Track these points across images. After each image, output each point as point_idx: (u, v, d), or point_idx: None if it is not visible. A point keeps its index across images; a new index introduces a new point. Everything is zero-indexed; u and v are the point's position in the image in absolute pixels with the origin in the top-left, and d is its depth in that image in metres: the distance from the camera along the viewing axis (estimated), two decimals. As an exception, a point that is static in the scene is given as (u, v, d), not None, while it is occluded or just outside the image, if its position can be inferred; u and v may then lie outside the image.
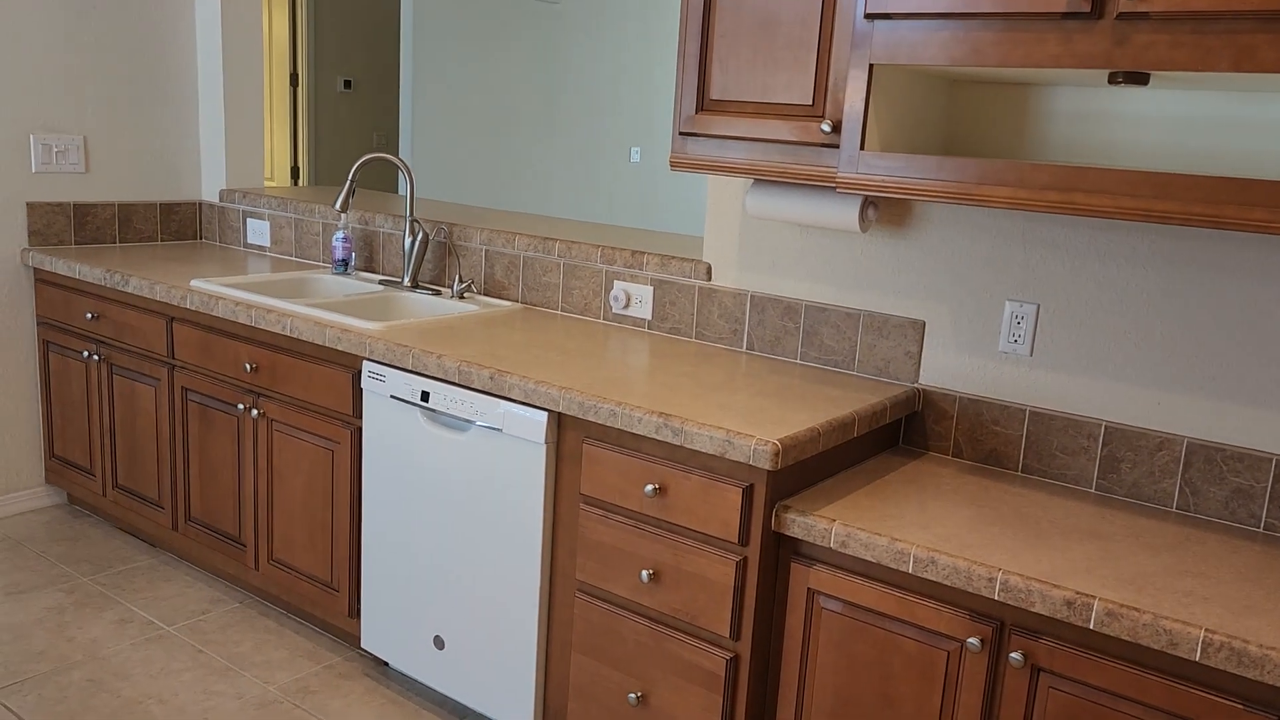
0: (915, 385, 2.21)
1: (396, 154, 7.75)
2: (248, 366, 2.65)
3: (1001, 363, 2.10)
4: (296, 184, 7.28)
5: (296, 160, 7.29)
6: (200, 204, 3.73)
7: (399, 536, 2.38)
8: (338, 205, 2.90)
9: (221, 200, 3.65)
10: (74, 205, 3.39)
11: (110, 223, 3.49)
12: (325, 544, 2.57)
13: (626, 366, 2.24)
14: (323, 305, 2.68)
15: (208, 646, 2.64)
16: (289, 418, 2.59)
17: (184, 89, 3.61)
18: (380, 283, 3.03)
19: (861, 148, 1.85)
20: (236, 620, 2.78)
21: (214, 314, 2.70)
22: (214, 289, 2.77)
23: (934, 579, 1.66)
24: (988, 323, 2.11)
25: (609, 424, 1.96)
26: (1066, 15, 1.60)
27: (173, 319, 2.87)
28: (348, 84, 7.47)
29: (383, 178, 7.78)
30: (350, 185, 2.91)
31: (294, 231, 3.43)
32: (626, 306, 2.65)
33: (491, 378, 2.12)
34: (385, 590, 2.43)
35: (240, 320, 2.63)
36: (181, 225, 3.68)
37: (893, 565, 1.69)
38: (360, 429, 2.45)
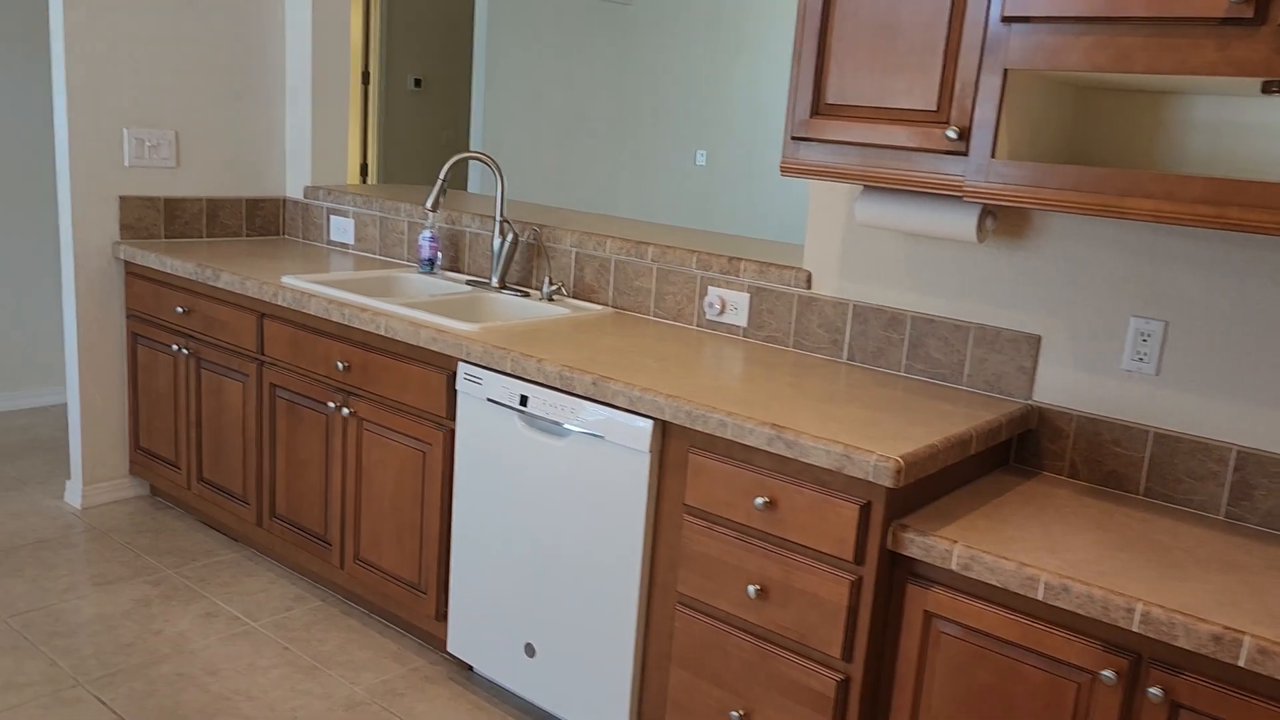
0: (1029, 402, 2.14)
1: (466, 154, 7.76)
2: (340, 365, 2.64)
3: (1124, 381, 2.02)
4: (365, 182, 7.34)
5: (365, 158, 7.34)
6: (284, 200, 3.75)
7: (490, 541, 2.35)
8: (429, 204, 2.89)
9: (306, 197, 3.67)
10: (164, 200, 3.42)
11: (199, 217, 3.51)
12: (414, 545, 2.55)
13: (727, 375, 2.19)
14: (415, 305, 2.67)
15: (293, 644, 2.64)
16: (380, 417, 2.58)
17: (272, 86, 3.63)
18: (468, 283, 3.01)
19: (992, 155, 1.79)
20: (321, 618, 2.78)
21: (306, 311, 2.70)
22: (306, 286, 2.77)
23: (1066, 607, 1.59)
24: (1110, 339, 2.03)
25: (717, 434, 1.91)
26: (1225, 21, 1.53)
27: (263, 315, 2.88)
28: (418, 83, 7.51)
29: (455, 177, 7.81)
30: (442, 184, 2.89)
31: (378, 229, 3.43)
32: (721, 313, 2.61)
33: (594, 383, 2.09)
34: (474, 595, 2.41)
35: (332, 318, 2.63)
36: (266, 221, 3.70)
37: (1020, 591, 1.63)
38: (453, 431, 2.43)
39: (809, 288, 2.46)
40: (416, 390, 2.48)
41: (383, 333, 2.51)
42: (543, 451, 2.22)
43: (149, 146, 3.35)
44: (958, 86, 1.86)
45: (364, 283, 3.03)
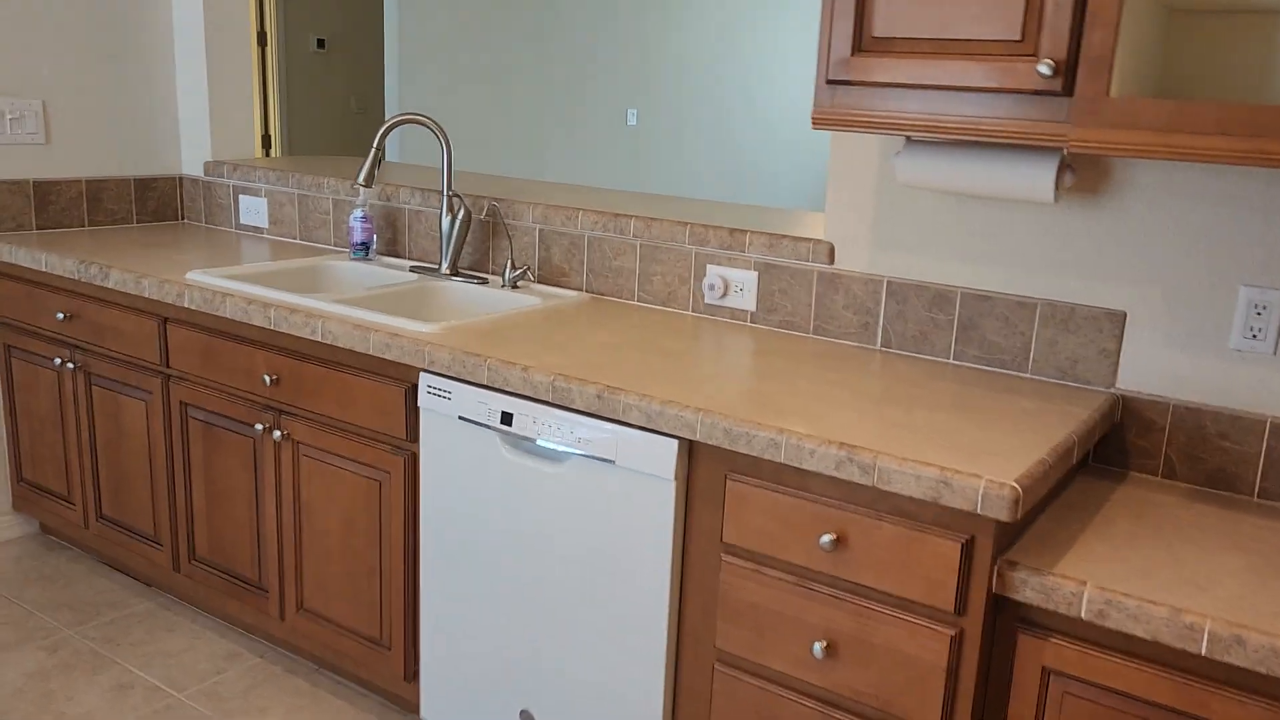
0: (1114, 390, 1.81)
1: (380, 119, 7.18)
2: (267, 378, 2.17)
3: (1234, 363, 1.70)
4: (268, 154, 6.70)
5: (267, 129, 6.70)
6: (181, 179, 3.21)
7: (470, 587, 1.94)
8: (361, 178, 2.42)
9: (207, 174, 3.14)
10: (33, 183, 2.87)
11: (77, 203, 2.96)
12: (372, 593, 2.12)
13: (753, 374, 1.80)
14: (355, 301, 2.21)
15: (230, 717, 2.18)
16: (322, 440, 2.13)
17: (156, 45, 3.08)
18: (412, 270, 2.55)
19: (1108, 93, 1.42)
20: (260, 679, 2.33)
21: (220, 314, 2.22)
22: (218, 283, 2.28)
23: (1240, 664, 1.26)
24: (1214, 313, 1.71)
25: (766, 456, 1.53)
26: None
27: (166, 320, 2.39)
28: (320, 43, 6.87)
29: (357, 145, 7.22)
30: (376, 154, 2.42)
31: (297, 210, 2.93)
32: (724, 296, 2.21)
33: (599, 396, 1.68)
34: (453, 652, 1.99)
35: (254, 322, 2.16)
36: (160, 204, 3.16)
37: (1177, 644, 1.29)
38: (416, 455, 2.00)
39: (831, 262, 2.08)
40: (366, 407, 2.04)
41: (319, 338, 2.05)
42: (534, 479, 1.81)
43: (10, 119, 2.79)
44: (1049, 7, 1.49)
45: (287, 275, 2.55)
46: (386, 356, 1.96)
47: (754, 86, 8.32)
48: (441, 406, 1.91)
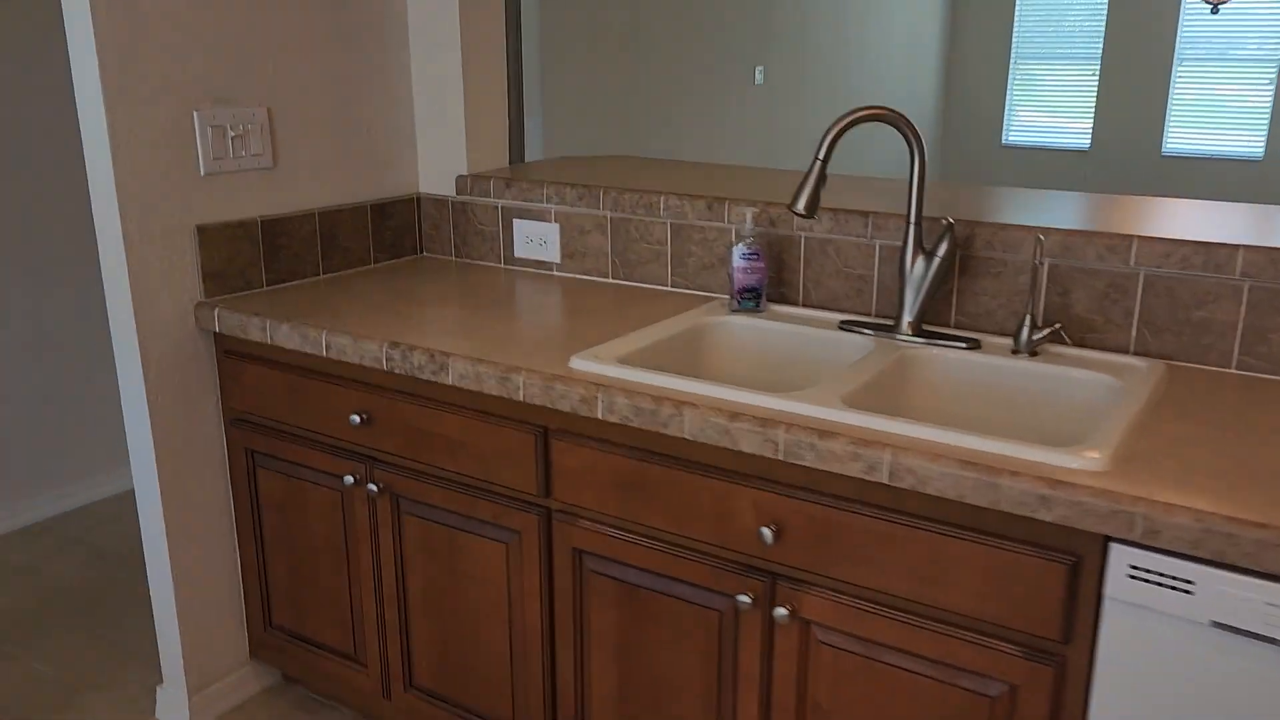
0: None
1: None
2: (767, 532, 1.43)
3: None
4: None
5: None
6: (419, 200, 2.43)
7: None
8: (802, 205, 1.66)
9: (460, 193, 2.36)
10: (261, 223, 2.09)
11: (310, 244, 2.19)
12: None
13: None
14: (868, 409, 1.47)
15: None
16: (869, 629, 1.39)
17: (388, 22, 2.29)
18: (843, 326, 1.79)
19: None
20: None
21: (655, 428, 1.47)
22: (633, 377, 1.52)
23: None
24: None
25: None
26: None
27: (547, 431, 1.63)
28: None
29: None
30: (821, 170, 1.66)
31: (609, 239, 2.17)
32: None
33: None
34: None
35: (739, 446, 1.40)
36: (397, 236, 2.39)
37: None
38: (1070, 665, 1.26)
39: None
40: (969, 588, 1.30)
41: (879, 478, 1.31)
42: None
43: (232, 137, 2.01)
44: None
45: (684, 349, 1.79)
46: (1040, 517, 1.21)
47: (868, 40, 7.52)
48: (1164, 602, 1.17)
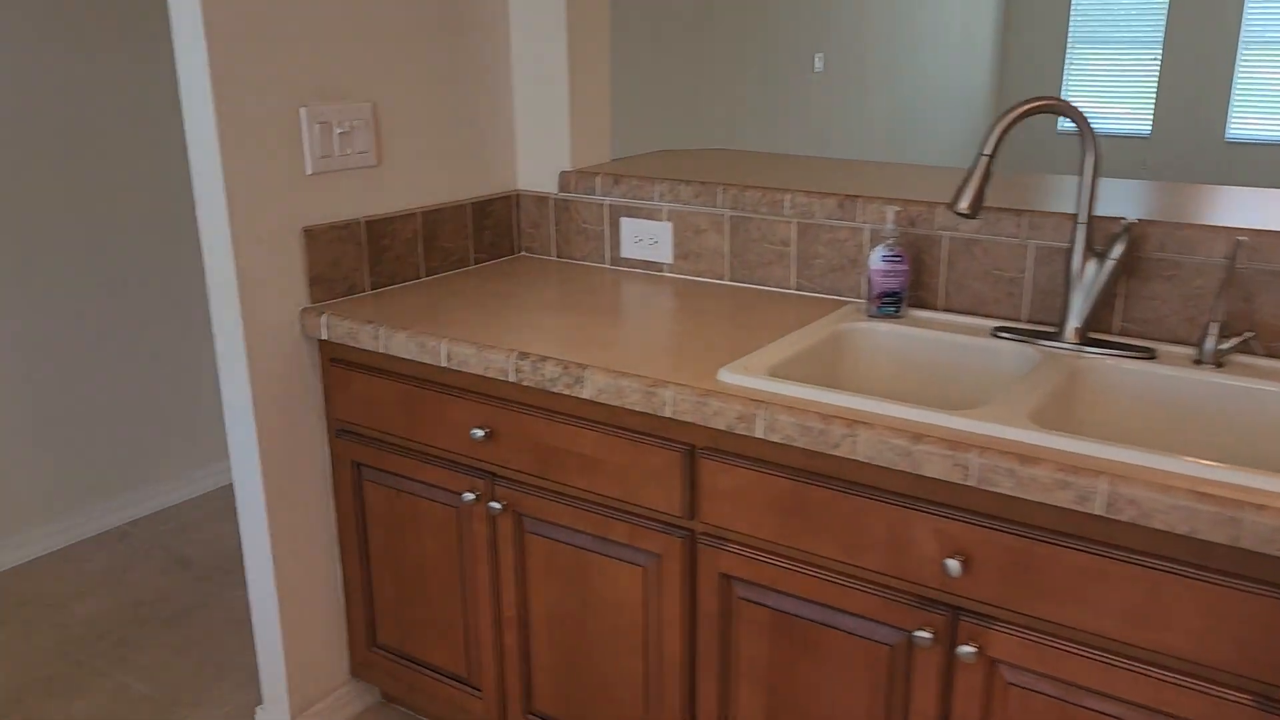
0: None
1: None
2: (953, 565, 1.31)
3: None
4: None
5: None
6: (518, 197, 2.33)
7: None
8: (965, 204, 1.54)
9: (563, 190, 2.26)
10: (366, 223, 1.99)
11: (412, 245, 2.09)
12: None
13: None
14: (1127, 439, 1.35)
15: None
16: (1060, 669, 1.27)
17: (490, 10, 2.18)
18: (996, 333, 1.67)
19: None
20: None
21: (824, 449, 1.35)
22: (791, 392, 1.41)
23: None
24: None
25: None
26: None
27: (694, 449, 1.52)
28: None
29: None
30: (987, 167, 1.53)
31: (727, 238, 2.05)
32: None
33: None
34: None
35: (930, 472, 1.29)
36: (496, 235, 2.29)
37: None
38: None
39: None
40: (1189, 628, 1.17)
41: (1092, 509, 1.19)
42: None
43: (339, 134, 1.91)
44: None
45: (825, 357, 1.68)
46: (1289, 556, 1.09)
47: (924, 25, 7.35)
48: None
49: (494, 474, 1.76)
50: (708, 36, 5.20)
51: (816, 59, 6.19)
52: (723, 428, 1.44)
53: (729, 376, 1.49)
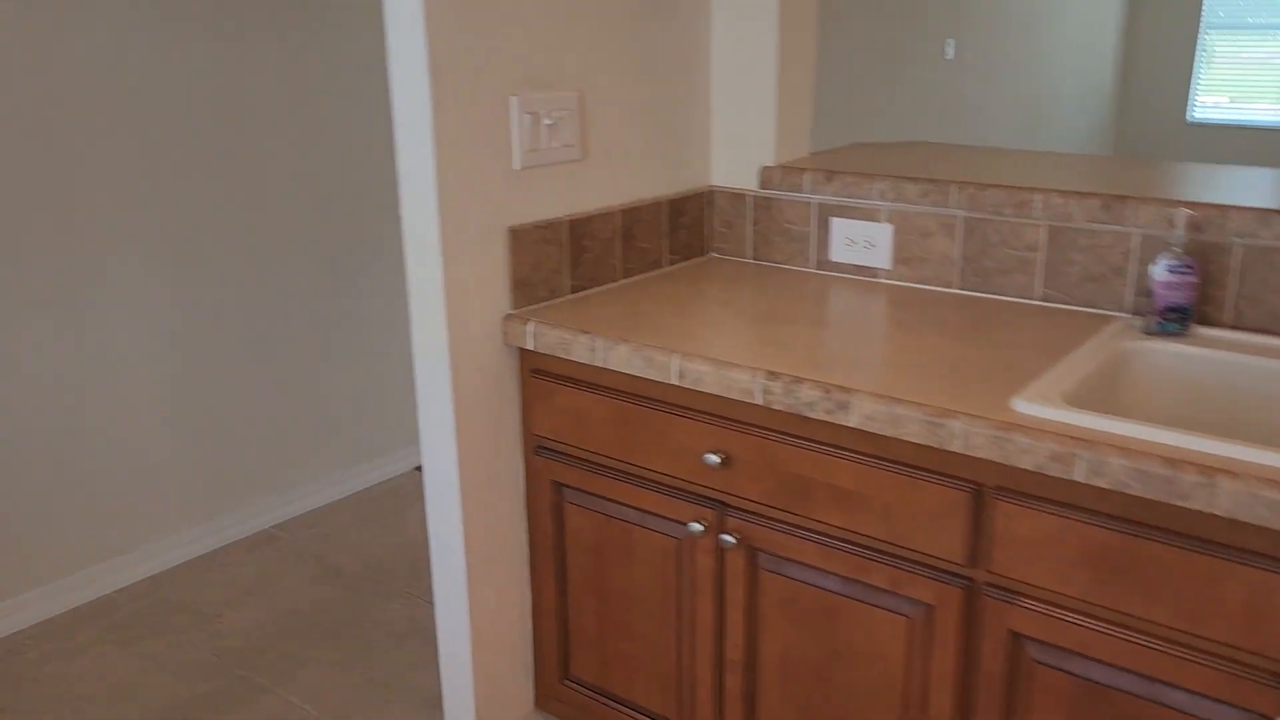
0: None
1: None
2: (1342, 645, 1.11)
3: None
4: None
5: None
6: (711, 194, 2.15)
7: None
8: (1303, 212, 1.32)
9: (765, 187, 2.08)
10: (569, 222, 1.84)
11: (610, 246, 1.93)
12: None
13: None
14: None
15: None
16: None
17: (690, -9, 2.01)
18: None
19: None
20: None
21: (1172, 500, 1.15)
22: (1102, 427, 1.21)
23: None
24: None
25: None
26: None
27: (981, 489, 1.33)
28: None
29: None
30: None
31: (959, 242, 1.85)
32: None
33: None
34: None
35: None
36: (690, 234, 2.11)
37: None
38: None
39: None
40: None
41: None
42: None
43: (545, 126, 1.75)
44: None
45: (1106, 384, 1.47)
46: None
47: (1053, 10, 7.00)
48: None
49: (724, 503, 1.59)
50: (836, 20, 4.97)
51: (947, 46, 5.90)
52: (1030, 467, 1.25)
53: (1025, 407, 1.30)
